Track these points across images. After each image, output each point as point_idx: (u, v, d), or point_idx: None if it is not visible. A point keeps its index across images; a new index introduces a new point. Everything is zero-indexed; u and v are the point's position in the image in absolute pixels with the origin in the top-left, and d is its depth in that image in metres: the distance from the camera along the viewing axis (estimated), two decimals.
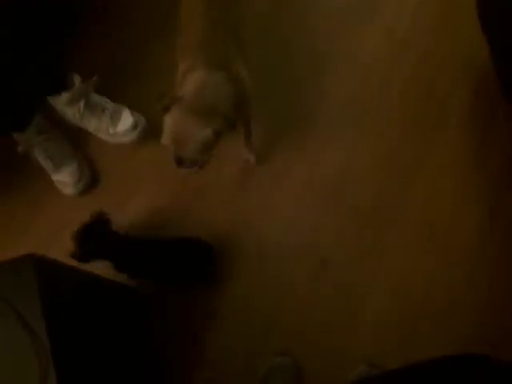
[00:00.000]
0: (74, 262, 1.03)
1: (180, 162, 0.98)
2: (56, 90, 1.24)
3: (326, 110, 1.35)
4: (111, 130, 1.28)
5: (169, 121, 0.93)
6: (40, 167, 1.28)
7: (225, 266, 1.20)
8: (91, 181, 1.29)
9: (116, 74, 1.38)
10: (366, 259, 1.19)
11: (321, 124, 1.34)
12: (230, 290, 1.19)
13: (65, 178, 1.26)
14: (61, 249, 1.04)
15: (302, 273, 1.19)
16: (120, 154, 1.33)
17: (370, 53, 1.41)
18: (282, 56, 1.41)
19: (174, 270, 1.14)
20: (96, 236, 1.08)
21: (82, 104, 1.26)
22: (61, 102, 1.26)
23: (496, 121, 1.30)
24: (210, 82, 0.95)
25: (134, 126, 1.28)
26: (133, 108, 1.31)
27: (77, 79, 1.25)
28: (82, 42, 1.42)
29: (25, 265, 0.71)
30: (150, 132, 1.31)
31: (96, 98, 1.29)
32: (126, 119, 1.28)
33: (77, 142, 1.33)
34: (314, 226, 1.24)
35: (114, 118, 1.28)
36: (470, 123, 1.32)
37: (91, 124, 1.29)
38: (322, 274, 1.19)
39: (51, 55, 1.24)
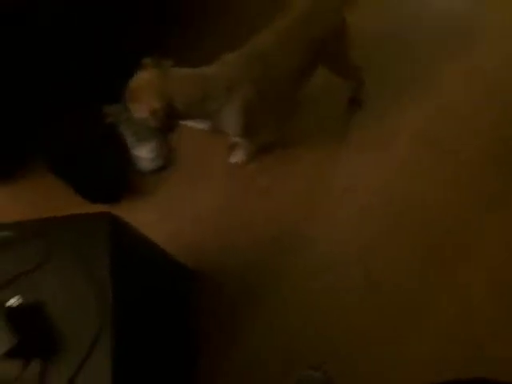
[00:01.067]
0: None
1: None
2: None
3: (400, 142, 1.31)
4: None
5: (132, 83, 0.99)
6: (123, 141, 1.33)
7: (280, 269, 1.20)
8: (166, 162, 1.33)
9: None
10: (419, 293, 1.14)
11: (396, 156, 1.30)
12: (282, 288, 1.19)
13: (144, 154, 1.32)
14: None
15: (351, 291, 1.17)
16: (198, 143, 1.36)
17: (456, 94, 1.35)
18: None
19: None
20: None
21: None
22: None
23: None
24: None
25: None
26: None
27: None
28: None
29: (101, 221, 0.74)
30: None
31: None
32: None
33: None
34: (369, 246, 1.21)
35: None
36: None
37: None
38: (370, 296, 1.16)
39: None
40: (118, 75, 1.20)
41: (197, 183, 1.33)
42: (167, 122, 0.97)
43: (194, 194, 1.31)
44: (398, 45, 1.42)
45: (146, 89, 0.95)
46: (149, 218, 1.25)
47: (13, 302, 0.68)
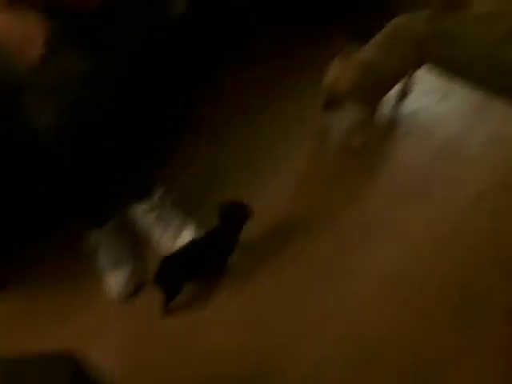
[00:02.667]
0: None
1: (330, 105, 1.35)
2: (139, 198, 1.38)
3: (368, 280, 1.36)
4: (171, 243, 1.36)
5: (333, 65, 1.35)
6: (97, 266, 1.35)
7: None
8: (138, 288, 1.33)
9: (193, 190, 1.51)
10: None
11: (364, 292, 1.34)
12: None
13: (114, 281, 1.32)
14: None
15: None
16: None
17: (418, 235, 1.45)
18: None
19: None
20: None
21: (155, 214, 1.37)
22: (138, 209, 1.38)
23: None
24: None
25: None
26: (199, 222, 1.39)
27: (159, 191, 1.38)
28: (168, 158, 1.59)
29: (62, 365, 0.70)
30: None
31: (169, 210, 1.39)
32: (190, 233, 1.36)
33: (137, 247, 1.41)
34: None
35: (179, 231, 1.37)
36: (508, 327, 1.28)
37: (156, 233, 1.39)
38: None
39: (146, 164, 1.39)
40: (108, 202, 1.32)
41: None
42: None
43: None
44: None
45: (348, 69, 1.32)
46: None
47: None
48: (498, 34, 2.00)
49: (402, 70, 1.57)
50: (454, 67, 1.90)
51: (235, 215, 1.29)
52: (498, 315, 1.28)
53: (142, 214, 1.37)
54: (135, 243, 1.41)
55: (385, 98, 1.66)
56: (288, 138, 1.72)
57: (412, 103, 1.81)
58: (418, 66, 1.67)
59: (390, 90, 1.57)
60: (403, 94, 1.82)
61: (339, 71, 1.31)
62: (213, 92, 1.78)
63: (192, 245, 1.28)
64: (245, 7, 1.70)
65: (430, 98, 1.83)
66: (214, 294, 1.32)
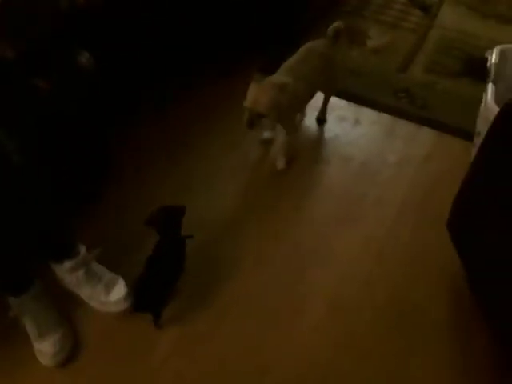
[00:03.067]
0: None
1: (252, 123, 1.49)
2: (60, 258, 1.29)
3: (308, 312, 1.38)
4: (103, 298, 1.30)
5: (251, 88, 1.51)
6: (25, 333, 1.25)
7: None
8: (71, 354, 1.25)
9: (118, 246, 1.44)
10: None
11: (305, 325, 1.35)
12: None
13: (45, 348, 1.23)
14: None
15: None
16: (108, 323, 1.32)
17: (351, 259, 1.50)
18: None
19: None
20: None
21: (81, 272, 1.29)
22: (61, 269, 1.30)
23: (475, 335, 1.32)
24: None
25: (126, 297, 1.31)
26: (127, 279, 1.35)
27: (82, 249, 1.31)
28: (92, 210, 1.52)
29: None
30: None
31: (95, 267, 1.33)
32: (120, 289, 1.31)
33: (66, 308, 1.33)
34: None
35: (109, 287, 1.31)
36: (448, 345, 1.33)
37: (85, 291, 1.31)
38: None
39: (63, 222, 1.31)
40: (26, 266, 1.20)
41: (107, 372, 1.24)
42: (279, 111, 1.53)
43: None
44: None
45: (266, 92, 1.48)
46: None
47: None
48: (393, 64, 2.23)
49: (310, 91, 1.74)
50: (359, 95, 2.06)
51: (168, 218, 1.34)
52: (435, 325, 1.35)
53: (68, 271, 1.29)
54: (63, 303, 1.32)
55: (304, 126, 1.81)
56: (217, 174, 1.73)
57: (329, 130, 1.92)
58: (325, 87, 1.83)
59: (300, 109, 1.82)
60: (320, 121, 1.94)
61: (256, 93, 1.49)
62: (134, 133, 1.75)
63: (151, 261, 1.31)
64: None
65: (344, 123, 1.94)
66: None
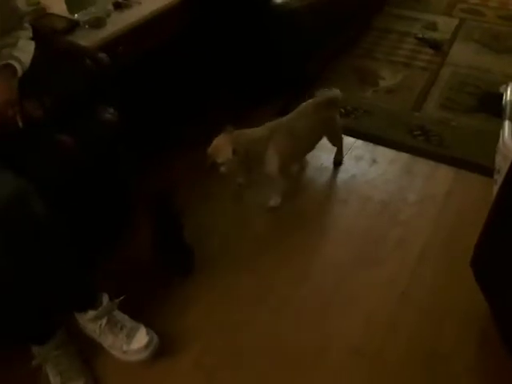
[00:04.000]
0: None
1: (211, 167, 1.61)
2: (84, 307, 1.30)
3: (330, 356, 1.35)
4: (125, 347, 1.29)
5: (216, 138, 1.63)
6: (47, 382, 1.26)
7: None
8: None
9: (137, 294, 1.46)
10: None
11: (327, 369, 1.32)
12: None
13: None
14: None
15: None
16: (129, 372, 1.31)
17: (373, 302, 1.47)
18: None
19: None
20: None
21: (104, 321, 1.30)
22: (84, 318, 1.31)
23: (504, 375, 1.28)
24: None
25: (147, 345, 1.30)
26: (148, 324, 1.35)
27: (105, 298, 1.32)
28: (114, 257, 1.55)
29: None
30: (161, 350, 1.33)
31: (118, 315, 1.33)
32: (141, 337, 1.30)
33: (88, 356, 1.33)
34: None
35: (130, 336, 1.31)
36: (479, 377, 1.29)
37: (108, 340, 1.31)
38: None
39: (86, 273, 1.32)
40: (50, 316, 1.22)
41: None
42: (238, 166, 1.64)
43: None
44: None
45: (225, 143, 1.60)
46: None
47: None
48: (408, 103, 2.26)
49: (302, 146, 1.81)
50: (374, 134, 2.07)
51: (162, 200, 1.46)
52: (461, 374, 1.29)
53: (91, 321, 1.29)
54: (86, 351, 1.33)
55: (322, 166, 1.86)
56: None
57: (346, 170, 1.93)
58: (330, 138, 1.89)
59: (292, 162, 1.85)
60: (337, 162, 1.96)
61: (216, 144, 1.63)
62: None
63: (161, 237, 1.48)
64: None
65: (361, 163, 1.95)
66: None
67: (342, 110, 2.13)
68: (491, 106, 2.11)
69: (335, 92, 1.84)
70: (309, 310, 1.46)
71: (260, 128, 1.71)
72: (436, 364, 1.31)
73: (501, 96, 1.81)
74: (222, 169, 1.66)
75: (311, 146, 1.88)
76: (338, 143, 1.96)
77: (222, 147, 1.61)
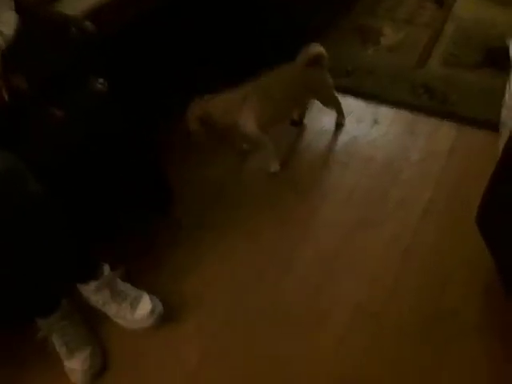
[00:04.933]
0: None
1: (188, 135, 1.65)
2: (86, 279, 1.30)
3: (334, 317, 1.35)
4: (129, 316, 1.31)
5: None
6: (55, 352, 1.27)
7: None
8: (100, 370, 1.27)
9: (140, 262, 1.46)
10: None
11: (331, 330, 1.32)
12: None
13: (75, 365, 1.25)
14: None
15: None
16: (134, 339, 1.33)
17: (376, 262, 1.46)
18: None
19: None
20: None
21: (107, 291, 1.31)
22: (87, 289, 1.31)
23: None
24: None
25: (151, 313, 1.31)
26: (151, 291, 1.36)
27: (106, 269, 1.32)
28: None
29: None
30: (165, 317, 1.34)
31: (120, 285, 1.34)
32: (145, 305, 1.32)
33: (93, 326, 1.34)
34: None
35: (134, 304, 1.32)
36: (484, 333, 1.28)
37: (112, 309, 1.32)
38: None
39: (86, 245, 1.32)
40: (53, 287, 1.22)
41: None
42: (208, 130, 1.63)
43: None
44: None
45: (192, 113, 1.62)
46: None
47: None
48: (410, 61, 2.18)
49: (281, 111, 1.77)
50: (376, 94, 2.01)
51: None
52: (466, 331, 1.29)
53: (93, 291, 1.30)
54: (91, 321, 1.34)
55: (322, 129, 1.82)
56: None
57: (347, 132, 1.88)
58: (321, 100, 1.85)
59: (271, 126, 1.76)
60: (338, 125, 1.90)
61: (187, 113, 1.64)
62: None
63: None
64: None
65: (362, 125, 1.90)
66: None
67: (343, 71, 2.06)
68: (497, 60, 2.03)
69: (317, 48, 1.71)
70: (312, 272, 1.45)
71: (234, 91, 1.67)
72: (441, 322, 1.31)
73: (507, 49, 1.75)
74: (192, 138, 1.66)
75: (293, 107, 1.82)
76: (332, 105, 1.88)
77: (189, 117, 1.62)
